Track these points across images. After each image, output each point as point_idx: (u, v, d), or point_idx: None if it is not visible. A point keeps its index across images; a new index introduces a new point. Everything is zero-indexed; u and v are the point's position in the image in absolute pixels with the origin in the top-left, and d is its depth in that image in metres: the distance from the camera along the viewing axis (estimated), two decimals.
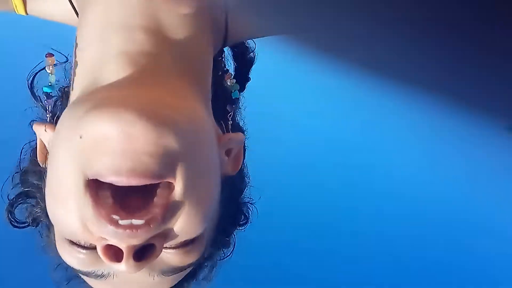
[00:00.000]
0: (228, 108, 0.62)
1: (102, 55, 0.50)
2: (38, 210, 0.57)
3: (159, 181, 0.43)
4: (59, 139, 0.47)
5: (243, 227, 0.65)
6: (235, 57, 0.68)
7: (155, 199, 0.43)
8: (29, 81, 0.61)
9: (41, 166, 0.56)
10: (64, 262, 0.50)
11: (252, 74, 0.66)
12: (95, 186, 0.43)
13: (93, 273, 0.48)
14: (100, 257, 0.44)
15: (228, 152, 0.57)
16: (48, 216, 0.51)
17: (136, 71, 0.48)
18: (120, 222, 0.41)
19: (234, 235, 0.64)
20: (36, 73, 0.60)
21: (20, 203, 0.59)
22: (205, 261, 0.58)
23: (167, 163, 0.43)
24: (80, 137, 0.43)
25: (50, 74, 0.57)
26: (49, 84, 0.57)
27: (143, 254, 0.44)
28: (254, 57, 0.67)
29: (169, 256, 0.47)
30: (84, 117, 0.44)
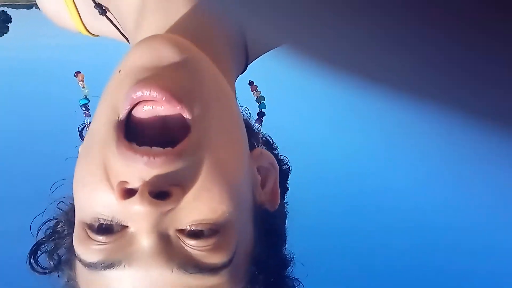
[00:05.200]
0: (256, 122, 0.61)
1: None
2: (63, 241, 0.54)
3: (177, 105, 0.45)
4: (103, 93, 0.50)
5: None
6: None
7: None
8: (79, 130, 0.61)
9: None
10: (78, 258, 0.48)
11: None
12: (124, 130, 0.45)
13: (104, 263, 0.45)
14: (115, 248, 0.45)
15: (263, 181, 0.55)
16: (71, 249, 0.49)
17: None
18: (139, 148, 0.44)
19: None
20: (83, 128, 0.60)
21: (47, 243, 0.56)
22: None
23: (187, 88, 0.46)
24: (119, 71, 0.48)
25: (82, 89, 0.60)
26: (84, 96, 0.59)
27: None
28: (289, 168, 0.66)
29: (190, 249, 0.45)
30: (123, 58, 0.49)
